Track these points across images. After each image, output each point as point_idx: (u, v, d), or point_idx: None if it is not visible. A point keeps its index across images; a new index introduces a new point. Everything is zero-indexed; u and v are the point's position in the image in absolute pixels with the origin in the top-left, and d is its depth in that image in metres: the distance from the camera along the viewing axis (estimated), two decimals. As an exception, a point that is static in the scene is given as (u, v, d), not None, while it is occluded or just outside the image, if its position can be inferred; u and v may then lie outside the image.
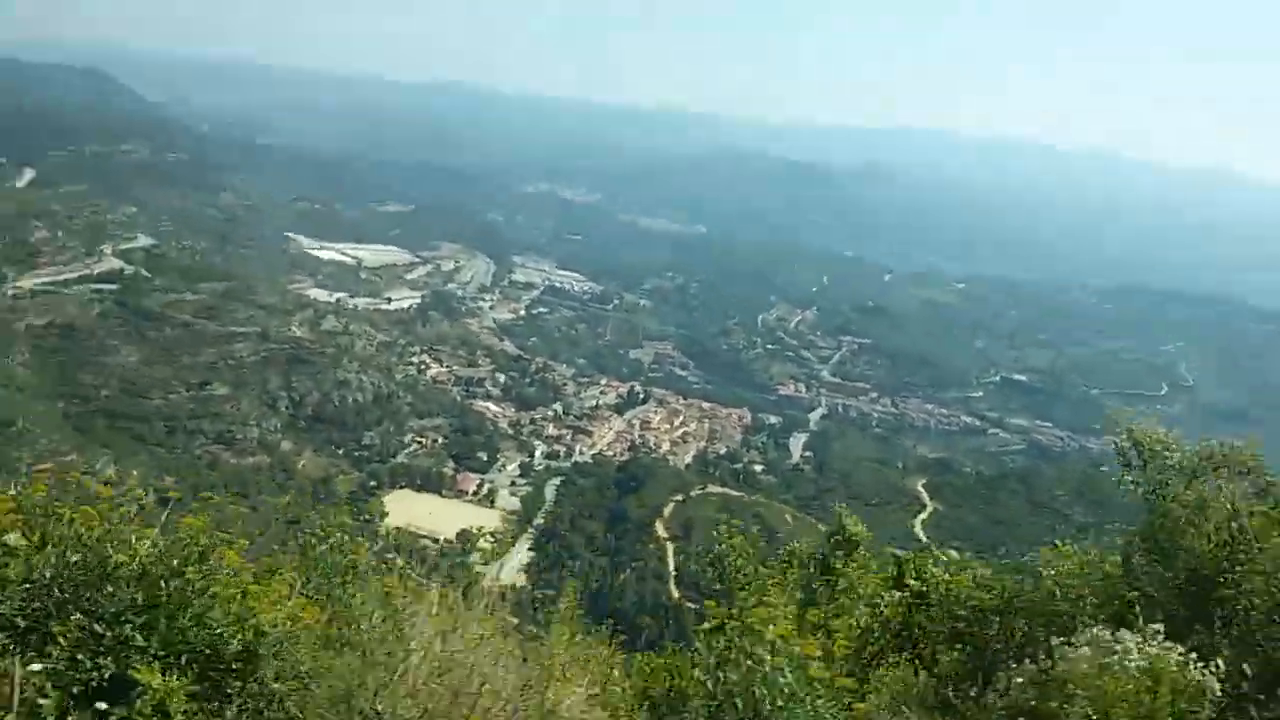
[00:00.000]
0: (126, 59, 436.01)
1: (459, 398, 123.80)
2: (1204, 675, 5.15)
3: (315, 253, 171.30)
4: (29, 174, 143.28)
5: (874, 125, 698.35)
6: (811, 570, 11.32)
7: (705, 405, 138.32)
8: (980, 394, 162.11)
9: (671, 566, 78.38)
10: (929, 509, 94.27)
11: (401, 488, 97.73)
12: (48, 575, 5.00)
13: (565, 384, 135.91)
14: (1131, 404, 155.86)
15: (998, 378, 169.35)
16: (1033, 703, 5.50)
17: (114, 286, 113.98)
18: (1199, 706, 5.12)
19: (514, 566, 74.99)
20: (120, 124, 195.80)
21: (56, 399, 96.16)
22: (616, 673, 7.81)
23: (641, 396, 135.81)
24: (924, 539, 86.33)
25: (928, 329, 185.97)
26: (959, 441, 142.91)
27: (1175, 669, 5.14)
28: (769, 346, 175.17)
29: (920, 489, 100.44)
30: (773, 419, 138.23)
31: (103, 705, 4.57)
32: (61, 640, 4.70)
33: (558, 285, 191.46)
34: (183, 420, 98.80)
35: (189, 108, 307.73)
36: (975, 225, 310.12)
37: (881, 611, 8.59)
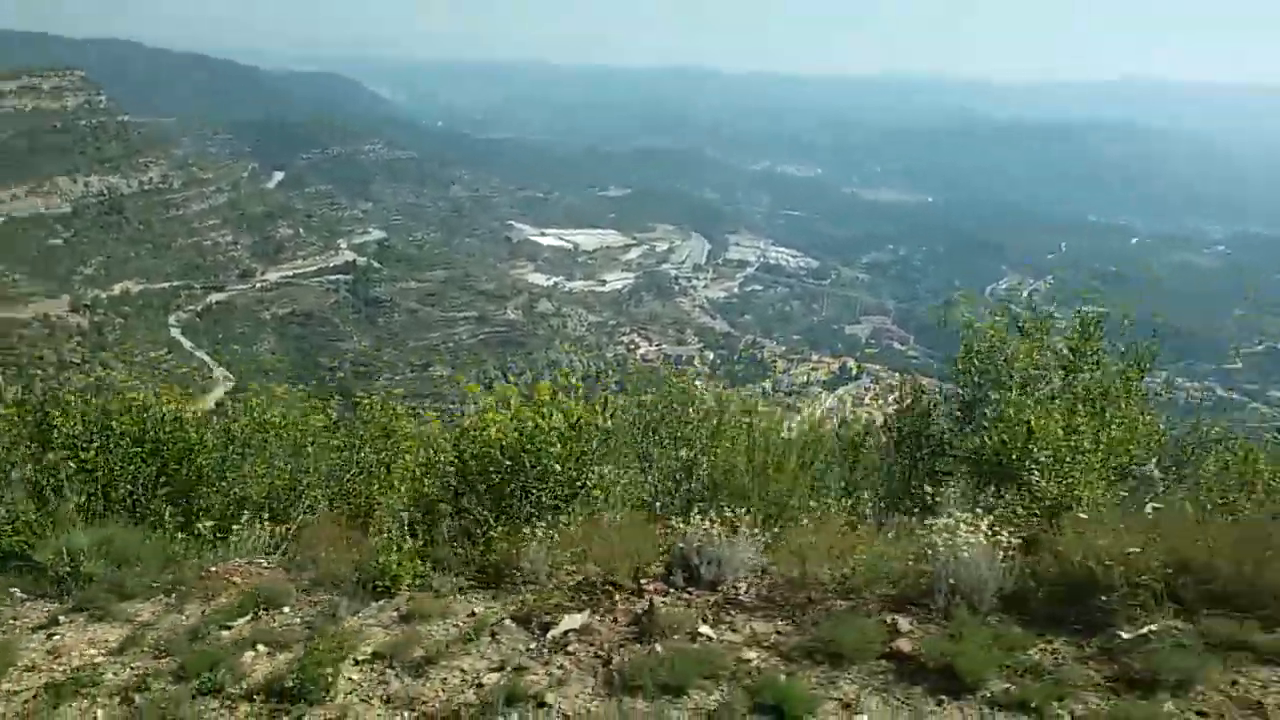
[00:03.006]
0: (376, 64, 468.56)
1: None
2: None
3: (535, 239, 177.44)
4: (278, 176, 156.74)
5: (1099, 78, 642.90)
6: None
7: (924, 380, 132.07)
8: (1239, 365, 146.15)
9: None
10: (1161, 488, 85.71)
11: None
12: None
13: (775, 361, 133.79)
14: None
15: (1261, 347, 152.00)
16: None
17: (348, 277, 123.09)
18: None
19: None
20: (362, 126, 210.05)
21: (296, 380, 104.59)
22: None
23: (854, 372, 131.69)
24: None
25: (1180, 296, 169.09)
26: (1208, 416, 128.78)
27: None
28: (997, 318, 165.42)
29: (1151, 468, 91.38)
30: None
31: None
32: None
33: (773, 262, 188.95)
34: (407, 399, 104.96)
35: (427, 108, 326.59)
36: (1239, 183, 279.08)
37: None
